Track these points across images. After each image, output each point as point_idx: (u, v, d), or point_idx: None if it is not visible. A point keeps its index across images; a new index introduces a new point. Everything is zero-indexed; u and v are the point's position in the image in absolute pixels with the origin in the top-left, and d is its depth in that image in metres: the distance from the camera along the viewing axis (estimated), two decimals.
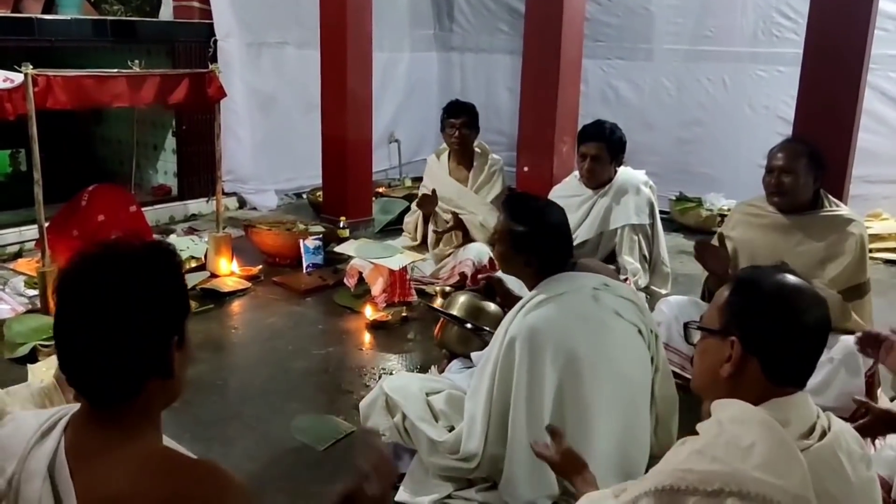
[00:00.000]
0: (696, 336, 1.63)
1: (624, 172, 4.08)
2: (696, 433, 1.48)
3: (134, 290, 1.25)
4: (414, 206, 4.90)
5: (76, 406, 1.34)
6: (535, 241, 2.50)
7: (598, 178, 4.04)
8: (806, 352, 1.51)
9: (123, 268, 1.27)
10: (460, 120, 4.58)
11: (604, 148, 3.97)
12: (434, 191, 4.61)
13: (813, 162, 3.21)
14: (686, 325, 1.66)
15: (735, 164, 6.23)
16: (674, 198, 6.35)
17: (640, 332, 2.52)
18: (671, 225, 6.18)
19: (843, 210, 3.30)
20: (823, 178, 3.27)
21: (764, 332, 1.49)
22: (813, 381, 3.03)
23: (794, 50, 4.80)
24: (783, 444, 1.37)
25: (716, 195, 6.16)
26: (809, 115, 4.08)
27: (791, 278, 1.54)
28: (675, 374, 3.14)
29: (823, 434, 1.44)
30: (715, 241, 3.59)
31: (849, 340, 3.07)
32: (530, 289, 2.53)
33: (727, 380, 1.51)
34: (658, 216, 4.10)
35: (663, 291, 4.03)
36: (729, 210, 5.60)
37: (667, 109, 6.65)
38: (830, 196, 3.34)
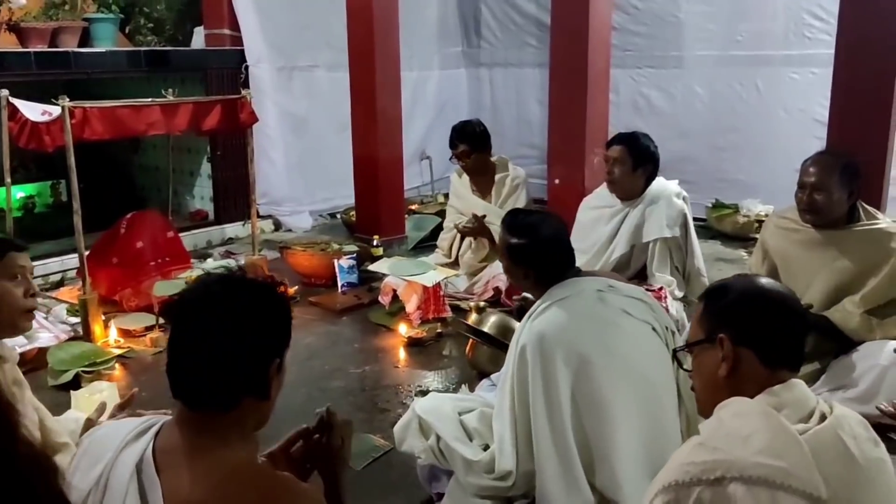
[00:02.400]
0: (686, 360, 1.68)
1: (656, 184, 3.97)
2: None
3: (249, 314, 1.40)
4: (449, 223, 4.90)
5: (168, 417, 1.45)
6: (531, 253, 2.55)
7: (620, 184, 3.94)
8: (791, 330, 1.56)
9: (244, 294, 1.43)
10: (458, 150, 4.59)
11: (625, 151, 3.88)
12: (479, 218, 4.57)
13: (846, 176, 3.10)
14: (674, 353, 1.71)
15: (771, 169, 6.13)
16: (710, 205, 6.27)
17: (653, 329, 2.50)
18: (708, 232, 6.12)
19: (881, 223, 3.18)
20: (859, 190, 3.17)
21: (747, 319, 1.55)
22: (860, 389, 2.99)
23: (827, 51, 4.72)
24: (781, 428, 1.39)
25: (752, 201, 6.06)
26: (844, 117, 4.02)
27: (759, 278, 1.66)
28: None
29: (823, 418, 1.45)
30: (757, 255, 3.53)
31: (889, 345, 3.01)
32: (536, 300, 2.55)
33: (727, 379, 1.55)
34: (692, 228, 3.99)
35: None
36: (766, 216, 5.53)
37: (700, 116, 6.58)
38: (867, 206, 3.24)
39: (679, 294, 3.87)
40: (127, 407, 2.09)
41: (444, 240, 4.96)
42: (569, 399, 2.36)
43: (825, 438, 1.41)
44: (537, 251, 2.55)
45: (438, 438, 2.54)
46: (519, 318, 3.42)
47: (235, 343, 1.38)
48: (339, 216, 6.81)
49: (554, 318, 2.42)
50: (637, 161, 3.89)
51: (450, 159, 4.70)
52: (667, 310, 3.30)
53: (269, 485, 1.35)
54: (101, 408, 2.24)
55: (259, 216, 5.42)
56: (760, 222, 5.77)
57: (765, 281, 1.64)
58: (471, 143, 4.58)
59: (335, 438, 1.77)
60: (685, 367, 1.70)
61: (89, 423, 2.21)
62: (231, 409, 1.39)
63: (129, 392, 2.22)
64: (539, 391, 2.36)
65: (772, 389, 1.49)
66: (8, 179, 4.16)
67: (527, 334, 2.42)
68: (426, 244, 5.74)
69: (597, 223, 4.10)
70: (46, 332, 3.94)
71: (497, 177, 4.65)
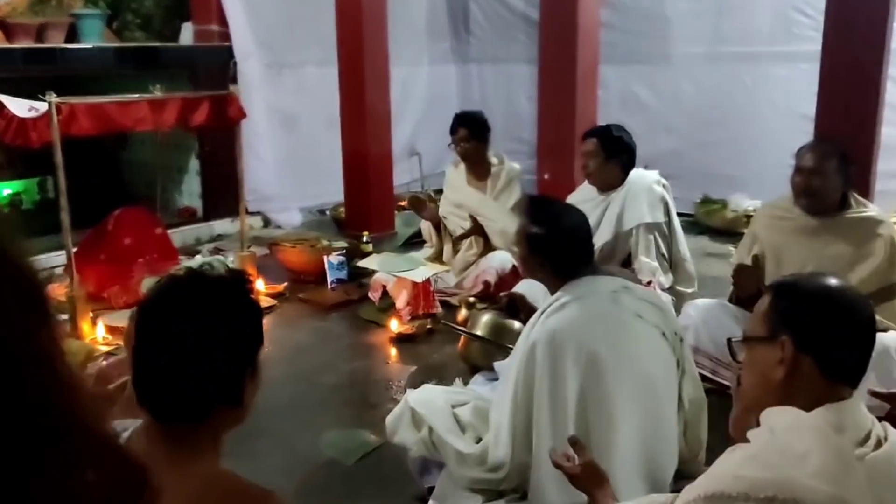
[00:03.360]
0: (742, 352, 1.59)
1: (635, 173, 4.00)
2: (726, 436, 1.45)
3: (217, 319, 1.31)
4: (441, 213, 4.91)
5: (137, 422, 1.37)
6: (550, 244, 2.49)
7: (596, 176, 3.97)
8: (858, 344, 1.48)
9: (209, 297, 1.32)
10: (459, 134, 4.58)
11: (597, 143, 3.90)
12: (427, 195, 4.63)
13: (843, 163, 3.15)
14: (729, 342, 1.62)
15: (759, 164, 6.17)
16: (698, 200, 6.30)
17: (663, 334, 2.50)
18: (696, 227, 6.14)
19: (872, 211, 3.22)
20: (852, 179, 3.22)
21: (815, 327, 1.46)
22: None
23: (814, 47, 4.74)
24: (839, 452, 1.32)
25: (740, 196, 6.09)
26: (830, 112, 4.06)
27: (833, 279, 1.54)
28: (705, 378, 3.13)
29: (879, 443, 1.39)
30: (744, 245, 3.55)
31: (883, 338, 3.02)
32: (552, 293, 2.53)
33: (781, 384, 1.46)
34: (674, 214, 4.01)
35: (689, 290, 3.96)
36: (754, 211, 5.56)
37: (688, 112, 6.60)
38: (858, 196, 3.28)
39: (666, 284, 3.88)
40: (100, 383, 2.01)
41: (423, 230, 4.98)
42: (575, 397, 2.35)
43: (881, 466, 1.35)
44: (556, 242, 2.49)
45: (431, 430, 2.54)
46: (509, 314, 3.43)
47: (204, 350, 1.29)
48: (328, 213, 6.79)
49: (567, 317, 2.40)
50: (609, 152, 3.92)
51: (448, 145, 4.70)
52: None
53: (242, 497, 1.31)
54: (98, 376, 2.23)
55: (248, 213, 5.40)
56: (749, 217, 5.80)
57: (837, 285, 1.52)
58: (471, 128, 4.58)
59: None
60: (738, 358, 1.59)
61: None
62: (201, 421, 1.32)
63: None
64: (545, 387, 2.36)
65: (830, 407, 1.41)
66: None
67: (539, 330, 2.40)
68: (416, 240, 5.73)
69: None
70: None
71: (492, 170, 4.66)
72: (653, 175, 4.05)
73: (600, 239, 3.97)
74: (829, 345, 1.45)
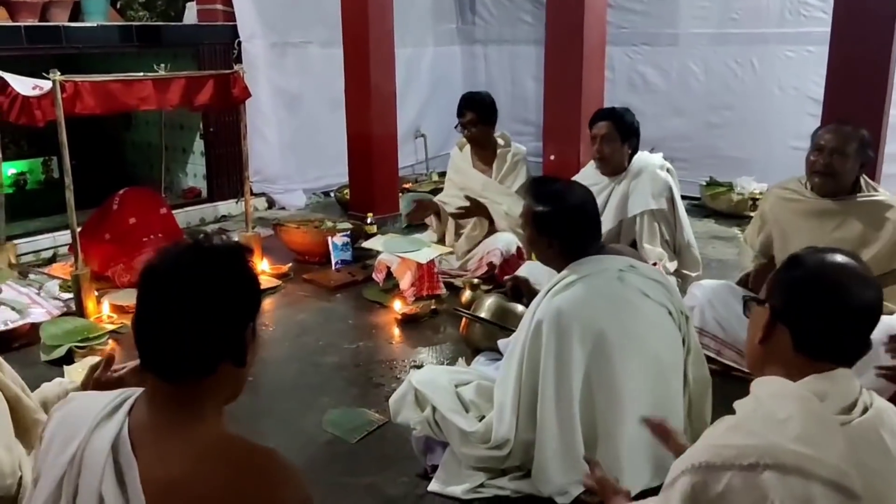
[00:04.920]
0: (750, 309, 1.63)
1: (639, 158, 3.98)
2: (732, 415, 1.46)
3: (217, 277, 1.35)
4: (444, 196, 4.89)
5: (140, 389, 1.40)
6: (557, 222, 2.49)
7: (610, 160, 3.93)
8: (843, 329, 1.46)
9: (208, 259, 1.37)
10: (467, 118, 4.54)
11: (612, 126, 3.88)
12: (431, 200, 4.61)
13: (863, 147, 3.12)
14: (745, 299, 1.65)
15: (765, 146, 6.14)
16: (704, 183, 6.27)
17: (669, 313, 2.49)
18: (702, 210, 6.13)
19: (881, 195, 3.19)
20: (868, 165, 3.19)
21: (793, 302, 1.48)
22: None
23: (823, 29, 4.70)
24: (821, 418, 1.34)
25: (747, 179, 6.05)
26: (839, 94, 4.02)
27: (839, 258, 1.51)
28: (710, 359, 3.13)
29: (865, 411, 1.41)
30: (754, 226, 3.54)
31: (890, 320, 3.00)
32: (558, 272, 2.52)
33: (760, 347, 1.51)
34: (679, 199, 3.98)
35: (693, 275, 3.96)
36: (761, 194, 5.53)
37: (695, 94, 6.56)
38: (869, 179, 3.26)
39: (671, 268, 3.88)
40: (107, 367, 2.03)
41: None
42: (581, 376, 2.35)
43: (864, 432, 1.37)
44: (563, 220, 2.49)
45: (434, 410, 2.54)
46: (513, 298, 3.42)
47: (208, 308, 1.33)
48: (332, 194, 6.78)
49: (573, 296, 2.39)
50: (624, 135, 3.90)
51: (455, 127, 4.66)
52: None
53: (246, 458, 1.32)
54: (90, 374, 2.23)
55: (252, 194, 5.39)
56: (755, 200, 5.77)
57: (839, 263, 1.50)
58: (479, 112, 4.54)
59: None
60: (746, 314, 1.62)
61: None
62: (207, 376, 1.34)
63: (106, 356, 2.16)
64: (551, 366, 2.35)
65: (816, 377, 1.42)
66: None
67: (544, 309, 2.40)
68: (420, 222, 5.71)
69: None
70: (39, 307, 3.92)
71: (498, 152, 4.62)
72: (658, 160, 4.02)
73: (605, 225, 3.93)
74: (804, 321, 1.46)
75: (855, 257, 1.54)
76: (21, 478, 1.88)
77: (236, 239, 1.48)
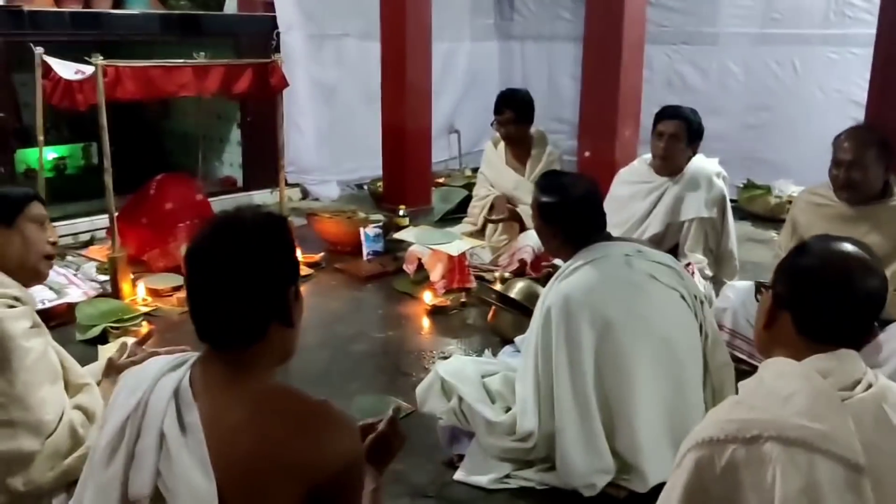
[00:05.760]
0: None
1: (697, 161, 3.85)
2: None
3: (256, 245, 1.42)
4: (479, 191, 4.88)
5: (196, 353, 1.48)
6: (560, 212, 2.56)
7: (672, 161, 3.80)
8: (844, 315, 1.47)
9: (245, 228, 1.43)
10: (504, 116, 4.52)
11: (682, 127, 3.76)
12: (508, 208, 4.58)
13: (883, 151, 3.03)
14: (756, 284, 1.68)
15: (805, 149, 6.03)
16: (741, 185, 6.19)
17: (682, 297, 2.48)
18: (738, 213, 6.02)
19: None
20: (892, 165, 3.10)
21: (794, 288, 1.51)
22: (887, 369, 2.94)
23: (868, 31, 4.62)
24: (823, 393, 1.36)
25: (785, 182, 5.97)
26: (883, 98, 3.92)
27: (847, 246, 1.52)
28: (742, 361, 3.10)
29: (869, 388, 1.42)
30: (786, 231, 3.48)
31: None
32: (565, 261, 2.55)
33: (765, 332, 1.54)
34: (729, 209, 3.88)
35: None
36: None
37: (734, 95, 6.48)
38: None
39: (709, 273, 3.81)
40: (144, 343, 2.18)
41: (474, 207, 4.92)
42: (592, 361, 2.37)
43: (867, 407, 1.38)
44: (566, 210, 2.56)
45: (461, 400, 2.56)
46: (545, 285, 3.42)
47: (250, 274, 1.39)
48: (365, 187, 6.81)
49: (580, 281, 2.43)
50: (691, 137, 3.79)
51: (490, 124, 4.66)
52: None
53: (300, 408, 1.39)
54: (123, 347, 2.35)
55: (287, 184, 5.43)
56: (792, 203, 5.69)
57: (842, 252, 1.52)
58: (517, 110, 4.52)
59: (396, 440, 1.76)
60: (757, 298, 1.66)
61: (111, 363, 2.29)
62: (259, 340, 1.41)
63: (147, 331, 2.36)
64: (563, 352, 2.37)
65: (819, 356, 1.44)
66: (41, 138, 4.20)
67: (553, 295, 2.43)
68: (452, 216, 5.72)
69: (632, 199, 3.98)
70: (76, 288, 3.99)
71: (533, 151, 4.60)
72: (714, 166, 3.90)
73: (650, 228, 3.86)
74: (804, 307, 1.49)
75: (864, 246, 1.55)
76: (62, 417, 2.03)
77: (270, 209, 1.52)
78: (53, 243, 2.26)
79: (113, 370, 2.24)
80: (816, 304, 1.48)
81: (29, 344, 2.00)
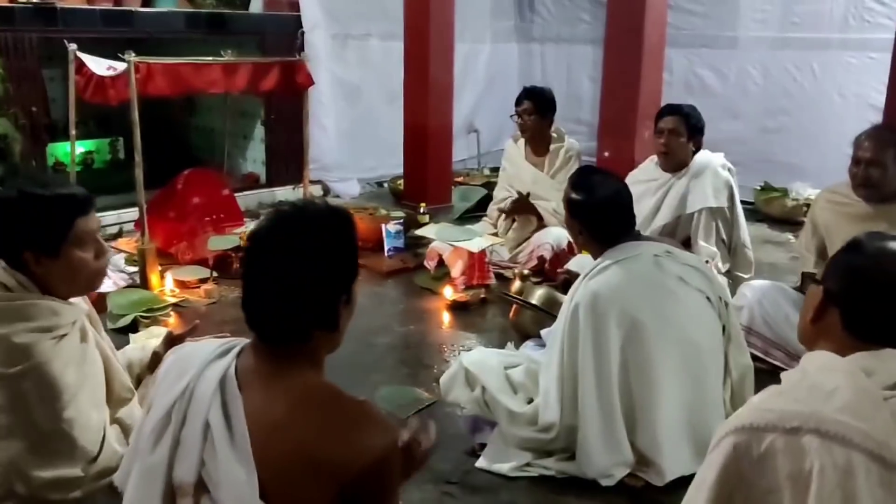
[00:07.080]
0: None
1: (701, 155, 3.94)
2: None
3: (318, 251, 1.41)
4: (499, 191, 4.94)
5: (247, 340, 1.49)
6: (585, 210, 2.61)
7: (674, 155, 3.90)
8: (893, 314, 1.48)
9: (312, 230, 1.42)
10: (523, 107, 4.60)
11: (680, 122, 3.85)
12: (522, 195, 4.64)
13: None
14: (803, 275, 1.67)
15: (822, 153, 6.07)
16: (759, 187, 6.23)
17: (708, 299, 2.53)
18: (756, 215, 6.08)
19: None
20: None
21: (847, 286, 1.50)
22: None
23: (887, 35, 4.65)
24: (866, 391, 1.37)
25: (802, 185, 6.01)
26: None
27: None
28: (758, 359, 3.15)
29: None
30: (806, 232, 3.54)
31: None
32: (595, 258, 2.60)
33: (811, 325, 1.55)
34: (738, 199, 3.94)
35: (746, 276, 3.93)
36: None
37: (752, 98, 6.52)
38: None
39: (723, 268, 3.86)
40: (191, 335, 2.19)
41: (493, 209, 4.99)
42: (618, 359, 2.41)
43: None
44: (591, 209, 2.60)
45: (484, 390, 2.62)
46: (565, 292, 3.48)
47: (305, 279, 1.39)
48: (386, 185, 6.90)
49: (609, 280, 2.47)
50: (690, 132, 3.89)
51: (511, 116, 4.74)
52: None
53: (339, 406, 1.40)
54: (168, 340, 2.36)
55: (309, 181, 5.52)
56: (809, 206, 5.72)
57: (893, 253, 1.51)
58: (537, 102, 4.59)
59: (419, 451, 1.75)
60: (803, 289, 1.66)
61: (156, 357, 2.31)
62: (302, 343, 1.42)
63: (191, 324, 2.35)
64: (589, 349, 2.42)
65: (864, 353, 1.45)
66: (73, 132, 4.31)
67: (582, 293, 2.48)
68: (472, 215, 5.79)
69: (643, 196, 4.04)
70: (106, 278, 4.08)
71: (552, 147, 4.68)
72: (719, 158, 3.98)
73: (660, 221, 3.94)
74: (855, 305, 1.49)
75: None
76: (104, 438, 1.97)
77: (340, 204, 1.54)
78: (103, 254, 2.04)
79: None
80: (867, 303, 1.48)
81: (71, 379, 1.91)
